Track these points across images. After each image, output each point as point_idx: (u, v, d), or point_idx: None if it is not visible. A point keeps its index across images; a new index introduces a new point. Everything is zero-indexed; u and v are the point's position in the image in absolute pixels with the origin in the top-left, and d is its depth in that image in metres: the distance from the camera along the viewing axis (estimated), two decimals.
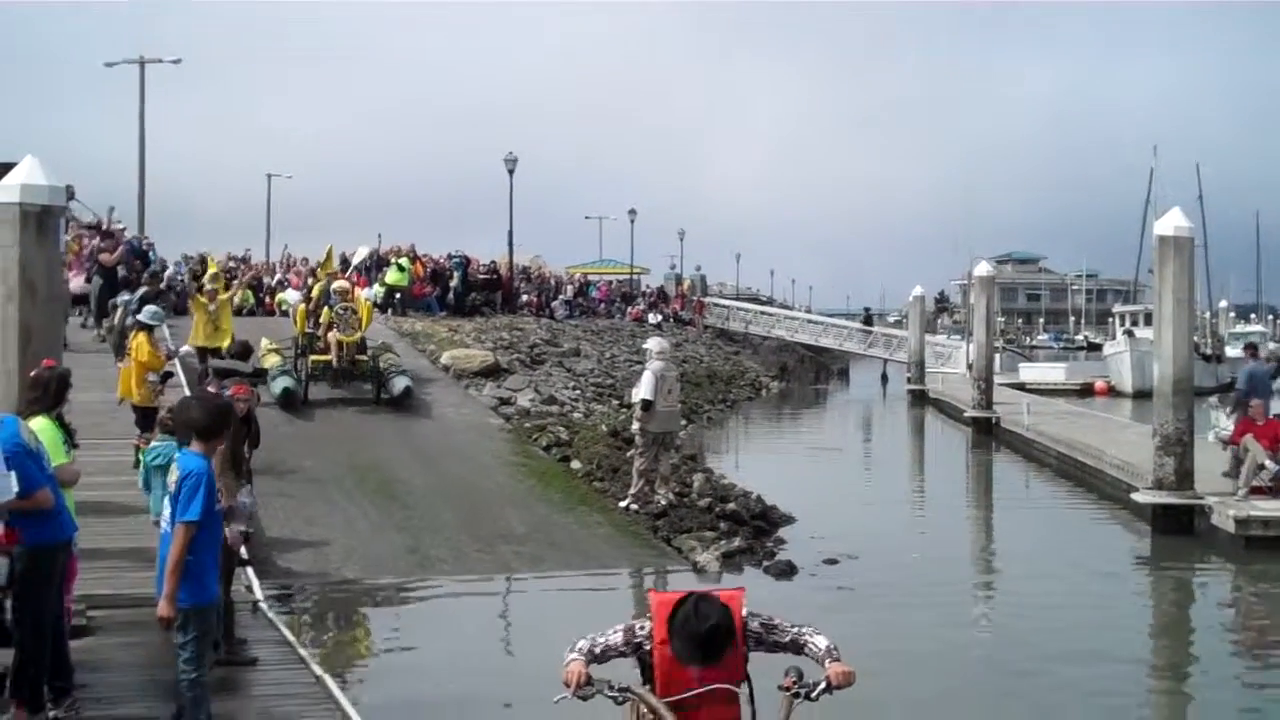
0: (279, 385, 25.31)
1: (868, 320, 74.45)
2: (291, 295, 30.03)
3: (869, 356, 69.78)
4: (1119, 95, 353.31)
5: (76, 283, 30.80)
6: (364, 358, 26.38)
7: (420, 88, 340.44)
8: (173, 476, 8.07)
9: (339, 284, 26.75)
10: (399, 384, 26.40)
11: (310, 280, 30.93)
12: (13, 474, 8.27)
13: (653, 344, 21.65)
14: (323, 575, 15.82)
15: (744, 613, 5.77)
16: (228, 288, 27.80)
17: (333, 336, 25.67)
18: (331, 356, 25.75)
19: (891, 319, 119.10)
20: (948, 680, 12.58)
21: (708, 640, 5.49)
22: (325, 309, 26.10)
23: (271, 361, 26.85)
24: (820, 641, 5.74)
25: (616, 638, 5.82)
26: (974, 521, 24.82)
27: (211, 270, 28.62)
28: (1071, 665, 13.14)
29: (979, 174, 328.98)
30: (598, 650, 5.78)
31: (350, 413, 25.43)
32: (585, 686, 5.61)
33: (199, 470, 7.96)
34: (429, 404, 27.10)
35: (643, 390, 20.34)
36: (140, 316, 18.99)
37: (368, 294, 29.30)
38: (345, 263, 32.83)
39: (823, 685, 5.55)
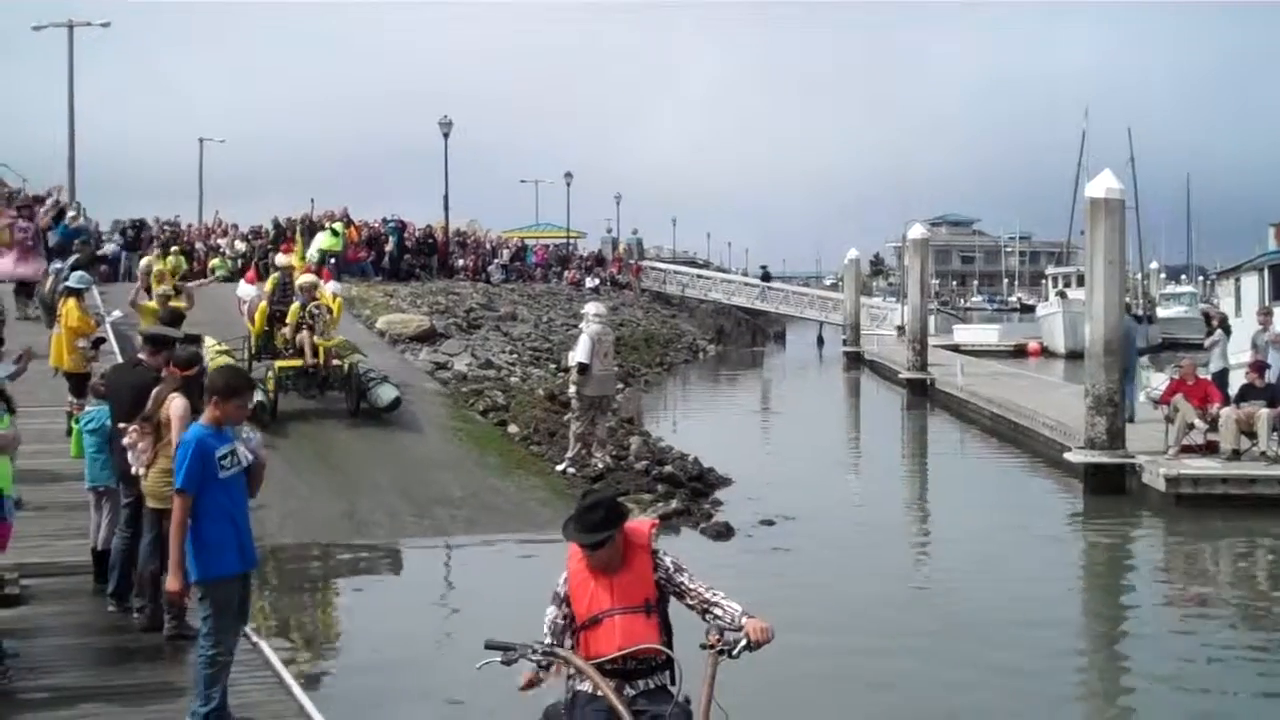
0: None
1: (765, 277, 74.93)
2: (246, 289, 24.76)
3: (805, 319, 70.08)
4: (1054, 60, 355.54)
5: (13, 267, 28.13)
6: (338, 362, 22.33)
7: (354, 51, 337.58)
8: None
9: (307, 278, 22.97)
10: (385, 394, 22.18)
11: (274, 268, 25.56)
12: None
13: (590, 308, 21.70)
14: (259, 540, 15.69)
15: (655, 544, 6.04)
16: (177, 291, 22.13)
17: (304, 339, 21.76)
18: (303, 362, 21.74)
19: (828, 282, 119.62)
20: (883, 638, 12.67)
21: (588, 509, 5.90)
22: (294, 305, 22.12)
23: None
24: (734, 605, 5.90)
25: (549, 610, 6.01)
26: (909, 482, 25.01)
27: (158, 267, 22.98)
28: (1006, 621, 13.28)
29: (915, 138, 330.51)
30: (548, 643, 5.91)
31: (326, 426, 21.56)
32: (508, 651, 5.69)
33: (186, 439, 7.97)
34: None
35: (579, 354, 20.38)
36: (68, 282, 18.76)
37: (333, 288, 24.80)
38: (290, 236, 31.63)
39: (744, 642, 5.71)
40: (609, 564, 5.88)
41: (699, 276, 73.31)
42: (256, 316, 22.87)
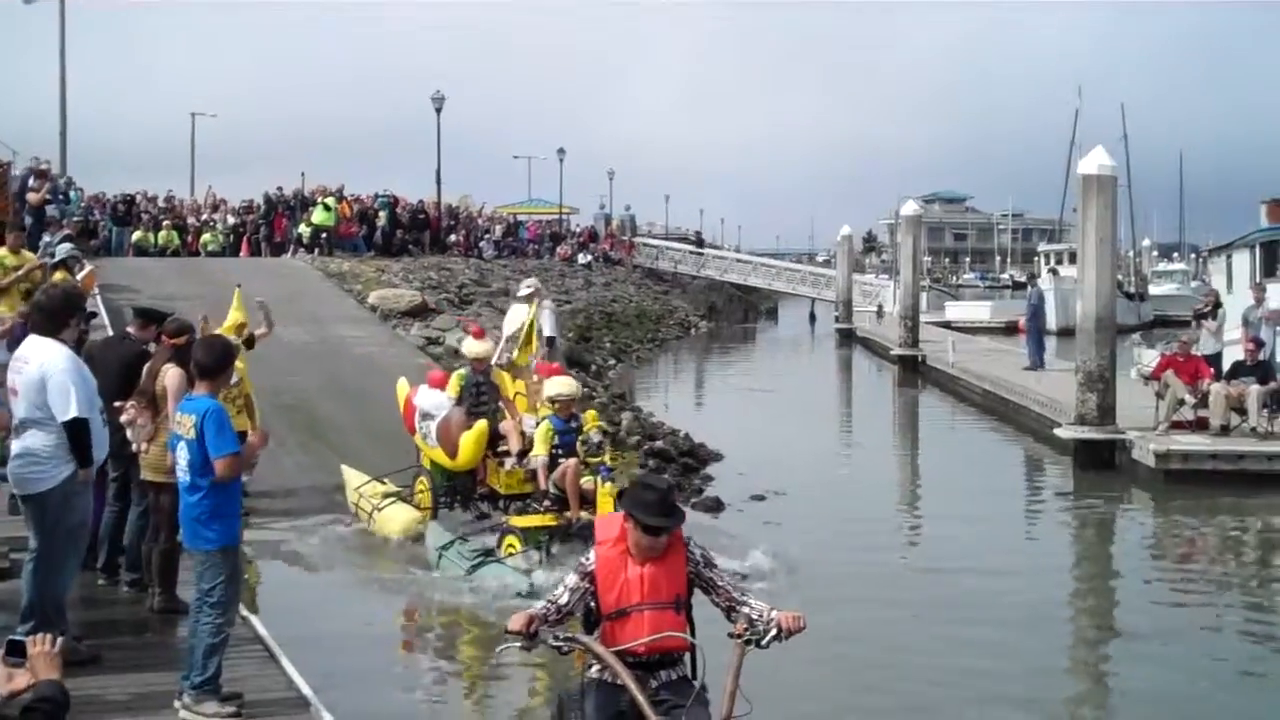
0: (498, 582, 12.46)
1: (698, 244, 75.71)
2: (430, 397, 15.64)
3: (798, 296, 70.10)
4: (1045, 35, 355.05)
5: None
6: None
7: (346, 25, 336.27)
8: (188, 421, 7.97)
9: (565, 385, 14.30)
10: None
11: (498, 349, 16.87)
12: None
13: (532, 282, 18.72)
14: (248, 516, 15.69)
15: (685, 535, 5.98)
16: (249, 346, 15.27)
17: (571, 483, 13.47)
18: (558, 519, 13.55)
19: (820, 258, 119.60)
20: (872, 613, 12.70)
21: (670, 491, 5.87)
22: (543, 426, 13.87)
23: (405, 520, 15.26)
24: (761, 603, 5.87)
25: (570, 577, 5.93)
26: (899, 457, 25.07)
27: (236, 317, 15.29)
28: (997, 594, 13.33)
29: (909, 115, 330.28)
30: (561, 602, 5.85)
31: None
32: (530, 639, 5.63)
33: (216, 407, 7.99)
34: (356, 343, 26.83)
35: (548, 328, 19.53)
36: (55, 255, 18.65)
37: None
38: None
39: (774, 632, 5.67)
40: (655, 551, 5.85)
41: (693, 253, 73.20)
42: (464, 444, 14.82)
